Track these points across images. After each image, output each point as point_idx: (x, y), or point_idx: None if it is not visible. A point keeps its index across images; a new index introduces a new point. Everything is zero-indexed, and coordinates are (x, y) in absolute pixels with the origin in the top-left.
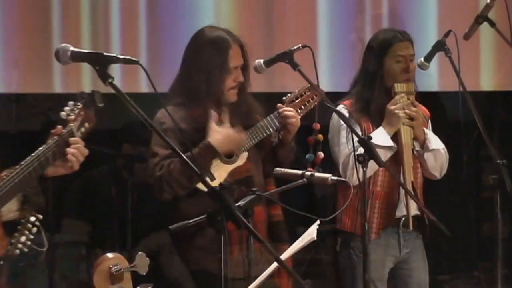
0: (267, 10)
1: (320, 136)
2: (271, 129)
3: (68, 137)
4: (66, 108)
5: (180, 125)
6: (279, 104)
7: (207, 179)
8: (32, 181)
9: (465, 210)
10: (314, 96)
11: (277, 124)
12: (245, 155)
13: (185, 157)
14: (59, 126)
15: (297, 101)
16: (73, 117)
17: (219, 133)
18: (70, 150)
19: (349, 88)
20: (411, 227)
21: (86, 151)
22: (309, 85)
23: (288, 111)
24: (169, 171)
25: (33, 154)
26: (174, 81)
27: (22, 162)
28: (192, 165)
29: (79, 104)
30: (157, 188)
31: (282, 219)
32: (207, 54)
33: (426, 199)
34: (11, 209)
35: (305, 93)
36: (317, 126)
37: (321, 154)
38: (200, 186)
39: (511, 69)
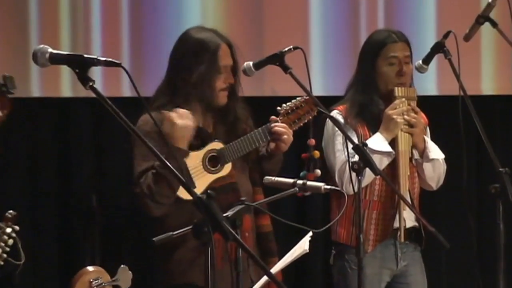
0: (257, 10)
1: (317, 153)
2: (260, 142)
3: None
4: None
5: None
6: (272, 117)
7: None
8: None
9: (465, 220)
10: (311, 110)
11: (267, 138)
12: (229, 165)
13: (169, 164)
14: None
15: (292, 113)
16: None
17: (172, 127)
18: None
19: (344, 92)
20: (402, 239)
21: None
22: (306, 98)
23: (280, 127)
24: (148, 186)
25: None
26: (160, 84)
27: None
28: (179, 176)
29: None
30: (140, 205)
31: (271, 230)
32: (195, 55)
33: (423, 210)
34: None
35: (301, 106)
36: (312, 142)
37: (318, 172)
38: (184, 195)
39: None
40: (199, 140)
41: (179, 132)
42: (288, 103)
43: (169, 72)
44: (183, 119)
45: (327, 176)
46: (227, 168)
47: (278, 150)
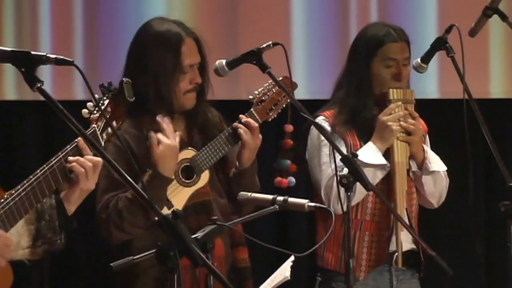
0: (231, 2)
1: (289, 142)
2: (229, 146)
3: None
4: (89, 104)
5: (129, 143)
6: (241, 115)
7: (165, 208)
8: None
9: (471, 243)
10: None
11: (235, 139)
12: (206, 174)
13: (137, 187)
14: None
15: (266, 101)
16: (97, 115)
17: (165, 154)
18: (71, 164)
19: (330, 96)
20: (400, 265)
21: (96, 160)
22: (281, 78)
23: (242, 129)
24: (118, 211)
25: (36, 172)
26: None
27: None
28: (142, 192)
29: (105, 97)
30: (103, 233)
31: (248, 265)
32: (154, 51)
33: (422, 231)
34: (20, 245)
35: (275, 90)
36: (289, 128)
37: (292, 181)
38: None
39: None
40: None
41: (167, 158)
42: (260, 89)
43: (126, 71)
44: (170, 140)
45: (312, 192)
46: (205, 177)
47: (245, 159)
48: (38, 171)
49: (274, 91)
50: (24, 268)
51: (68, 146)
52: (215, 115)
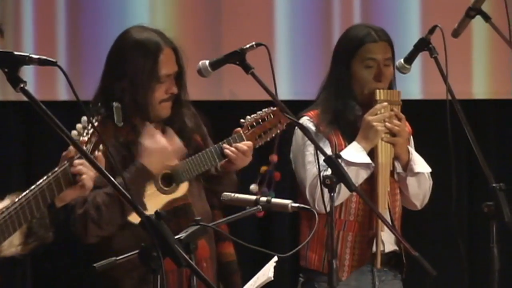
0: (214, 1)
1: (277, 175)
2: (213, 163)
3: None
4: (79, 125)
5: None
6: (237, 129)
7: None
8: (33, 214)
9: (454, 244)
10: (279, 123)
11: (221, 159)
12: (185, 185)
13: (117, 184)
14: (71, 148)
15: (257, 126)
16: (85, 138)
17: (153, 151)
18: (77, 168)
19: (314, 96)
20: (378, 265)
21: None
22: (274, 109)
23: (231, 152)
24: (96, 206)
25: (37, 183)
26: (96, 91)
27: (21, 196)
28: (125, 193)
29: (94, 120)
30: (78, 229)
31: (234, 259)
32: (132, 59)
33: (406, 232)
34: (12, 243)
35: (268, 118)
36: (274, 158)
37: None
38: (132, 218)
39: (511, 73)
40: None
41: (154, 154)
42: (253, 115)
43: (104, 77)
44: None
45: (296, 192)
46: (183, 188)
47: (228, 169)
48: (38, 183)
49: (267, 119)
50: (6, 268)
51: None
52: (195, 121)
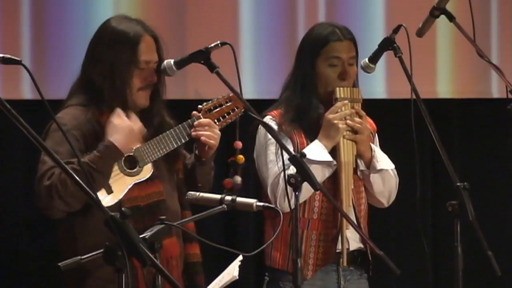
0: (179, 2)
1: (241, 158)
2: (181, 140)
3: None
4: None
5: (82, 128)
6: (194, 112)
7: (105, 196)
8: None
9: (418, 242)
10: (236, 108)
11: (189, 134)
12: (149, 167)
13: (82, 184)
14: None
15: (215, 111)
16: None
17: (120, 129)
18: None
19: (278, 95)
20: (345, 263)
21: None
22: (231, 95)
23: (203, 124)
24: (62, 180)
25: None
26: (76, 79)
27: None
28: (90, 192)
29: None
30: (44, 202)
31: (199, 260)
32: (112, 45)
33: (372, 231)
34: None
35: (225, 103)
36: (238, 144)
37: (238, 179)
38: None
39: (475, 73)
40: None
41: (121, 132)
42: (210, 101)
43: (84, 65)
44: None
45: (261, 191)
46: (147, 170)
47: (205, 151)
48: None
49: (224, 104)
50: None
51: None
52: (168, 116)
